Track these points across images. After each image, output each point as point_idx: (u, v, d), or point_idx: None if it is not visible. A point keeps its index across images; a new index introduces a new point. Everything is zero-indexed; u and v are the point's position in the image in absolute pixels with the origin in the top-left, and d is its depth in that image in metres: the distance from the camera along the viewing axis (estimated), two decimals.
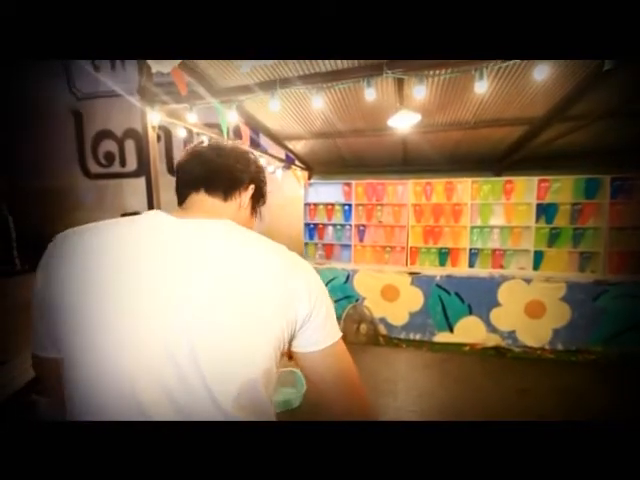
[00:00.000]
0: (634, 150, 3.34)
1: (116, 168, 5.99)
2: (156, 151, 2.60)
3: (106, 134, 5.95)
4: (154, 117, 2.47)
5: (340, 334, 0.59)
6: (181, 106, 2.51)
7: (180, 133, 2.97)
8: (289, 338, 0.53)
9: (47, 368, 0.55)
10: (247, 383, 0.48)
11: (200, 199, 0.62)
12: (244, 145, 0.72)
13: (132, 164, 5.92)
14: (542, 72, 1.55)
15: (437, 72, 2.01)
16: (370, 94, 1.81)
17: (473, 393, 2.52)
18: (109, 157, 6.01)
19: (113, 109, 5.79)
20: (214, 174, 0.63)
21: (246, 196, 0.67)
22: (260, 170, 0.71)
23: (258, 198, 0.71)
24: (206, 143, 0.68)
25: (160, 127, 2.65)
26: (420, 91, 1.77)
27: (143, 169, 2.57)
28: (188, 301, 0.47)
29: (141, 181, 5.53)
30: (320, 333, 0.56)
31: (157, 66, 1.91)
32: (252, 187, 0.68)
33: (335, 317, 0.60)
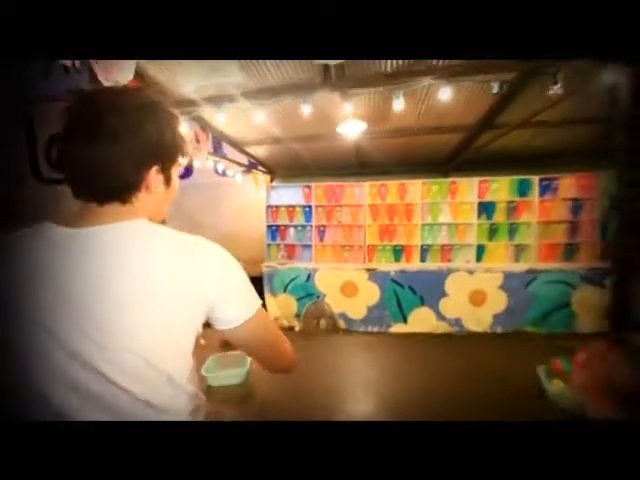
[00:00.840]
0: (556, 153, 3.80)
1: None
2: None
3: (60, 137, 5.74)
4: None
5: (259, 303, 0.60)
6: None
7: None
8: (203, 321, 0.55)
9: None
10: (160, 377, 0.51)
11: (92, 209, 0.54)
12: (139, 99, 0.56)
13: None
14: (446, 93, 1.83)
15: (368, 90, 2.22)
16: (307, 109, 2.00)
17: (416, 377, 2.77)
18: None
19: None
20: (97, 189, 0.53)
21: (151, 181, 0.55)
22: (163, 134, 0.55)
23: (170, 166, 0.59)
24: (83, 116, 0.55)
25: None
26: (356, 106, 1.98)
27: None
28: (87, 314, 0.47)
29: None
30: (237, 309, 0.57)
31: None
32: (156, 168, 0.55)
33: (251, 289, 0.60)
